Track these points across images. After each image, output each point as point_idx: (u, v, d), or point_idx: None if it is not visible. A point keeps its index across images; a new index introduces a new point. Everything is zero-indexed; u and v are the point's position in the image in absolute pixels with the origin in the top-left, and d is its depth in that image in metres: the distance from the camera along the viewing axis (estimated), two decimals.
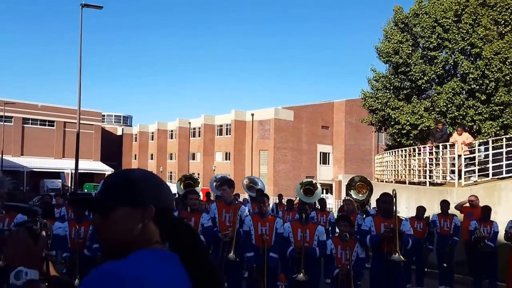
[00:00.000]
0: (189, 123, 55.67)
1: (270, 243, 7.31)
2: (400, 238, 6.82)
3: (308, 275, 6.99)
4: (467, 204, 11.15)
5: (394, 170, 19.82)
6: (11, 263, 1.59)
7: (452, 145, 14.35)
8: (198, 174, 48.88)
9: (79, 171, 22.84)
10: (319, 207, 11.86)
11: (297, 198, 12.58)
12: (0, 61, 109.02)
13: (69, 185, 43.34)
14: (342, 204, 14.35)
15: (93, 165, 53.53)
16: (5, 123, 46.26)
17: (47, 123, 53.45)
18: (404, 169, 18.64)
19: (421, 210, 10.59)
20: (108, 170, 54.75)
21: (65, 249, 7.44)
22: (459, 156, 13.97)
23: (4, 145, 44.18)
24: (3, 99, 47.68)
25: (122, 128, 67.74)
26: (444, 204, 10.44)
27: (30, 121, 52.37)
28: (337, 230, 8.00)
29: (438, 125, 16.99)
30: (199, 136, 53.50)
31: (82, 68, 21.07)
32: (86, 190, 41.84)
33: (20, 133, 51.10)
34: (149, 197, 1.47)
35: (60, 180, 44.10)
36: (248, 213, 7.97)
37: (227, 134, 50.13)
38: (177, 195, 11.09)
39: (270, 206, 10.69)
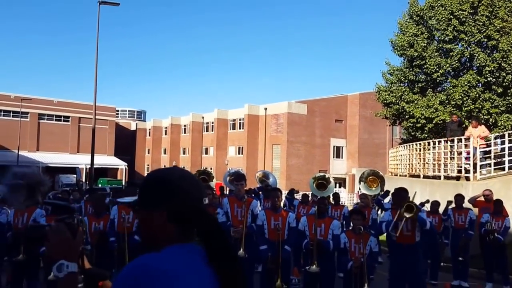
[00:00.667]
0: (202, 117, 55.72)
1: (283, 237, 7.35)
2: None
3: (322, 269, 7.05)
4: (482, 198, 11.05)
5: (409, 164, 19.70)
6: (53, 257, 1.68)
7: (467, 139, 14.20)
8: (211, 169, 48.99)
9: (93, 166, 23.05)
10: (333, 201, 11.87)
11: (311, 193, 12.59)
12: (17, 58, 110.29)
13: (83, 180, 43.69)
14: (357, 199, 14.31)
15: (107, 159, 53.89)
16: (21, 119, 46.71)
17: (62, 118, 53.86)
18: (418, 163, 18.52)
19: (435, 204, 10.53)
20: (121, 164, 55.10)
21: (85, 243, 7.57)
22: (475, 149, 13.82)
23: (20, 141, 44.62)
24: (19, 95, 48.21)
25: (136, 123, 68.09)
26: (459, 198, 10.36)
27: (46, 117, 52.78)
28: (351, 224, 8.01)
29: (453, 117, 16.82)
30: (212, 130, 53.55)
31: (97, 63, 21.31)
32: (100, 185, 42.12)
33: (36, 128, 51.54)
34: (158, 202, 1.57)
35: (75, 175, 44.42)
36: (260, 208, 8.02)
37: (240, 128, 50.10)
38: None
39: (283, 200, 10.71)
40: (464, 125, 17.45)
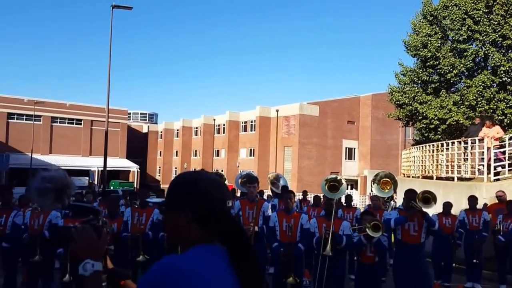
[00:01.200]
0: (214, 119, 55.83)
1: (295, 239, 7.33)
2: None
3: (333, 270, 7.06)
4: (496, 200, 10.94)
5: (421, 165, 19.51)
6: (80, 256, 1.77)
7: (481, 140, 14.01)
8: (222, 171, 49.07)
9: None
10: (345, 204, 11.79)
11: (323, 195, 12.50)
12: (30, 62, 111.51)
13: (96, 183, 43.94)
14: (370, 201, 14.20)
15: (119, 162, 54.18)
16: (34, 122, 47.15)
17: (75, 121, 54.30)
18: (431, 164, 18.33)
19: (447, 205, 10.41)
20: (133, 167, 55.37)
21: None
22: (488, 150, 13.63)
23: (33, 144, 45.05)
24: (33, 98, 48.68)
25: (148, 126, 68.47)
26: (472, 199, 10.25)
27: (59, 120, 53.26)
28: None
29: (476, 119, 16.56)
30: (223, 132, 53.61)
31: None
32: (112, 187, 42.34)
33: (49, 131, 51.98)
34: (184, 204, 1.64)
35: (87, 178, 44.73)
36: (271, 210, 8.02)
37: (251, 130, 50.10)
38: None
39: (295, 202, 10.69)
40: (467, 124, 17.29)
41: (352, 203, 12.61)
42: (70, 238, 1.82)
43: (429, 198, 7.13)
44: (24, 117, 49.85)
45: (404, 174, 22.20)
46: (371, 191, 12.70)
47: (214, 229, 1.64)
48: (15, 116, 49.86)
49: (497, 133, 14.06)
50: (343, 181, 10.91)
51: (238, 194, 15.99)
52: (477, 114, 20.30)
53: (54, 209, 7.45)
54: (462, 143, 15.40)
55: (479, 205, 10.63)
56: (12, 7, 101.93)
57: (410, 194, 7.45)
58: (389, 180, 11.92)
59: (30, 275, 7.77)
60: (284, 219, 7.43)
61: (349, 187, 44.22)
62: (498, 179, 13.35)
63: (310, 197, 18.01)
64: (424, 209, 7.14)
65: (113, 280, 1.91)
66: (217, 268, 1.55)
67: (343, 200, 11.98)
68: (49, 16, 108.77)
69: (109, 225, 1.93)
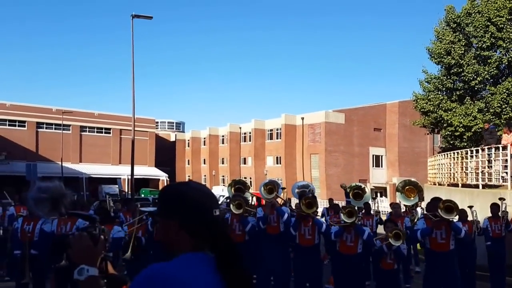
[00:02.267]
0: (240, 128, 56.20)
1: (313, 242, 7.66)
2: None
3: (352, 276, 7.27)
4: None
5: (448, 173, 19.44)
6: (75, 262, 1.88)
7: (505, 147, 13.97)
8: (250, 178, 49.37)
9: (134, 176, 23.66)
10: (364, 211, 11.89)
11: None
12: (58, 72, 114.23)
13: (126, 190, 44.71)
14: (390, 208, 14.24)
15: (148, 170, 54.95)
16: (63, 131, 48.24)
17: (103, 130, 55.30)
18: (457, 172, 18.27)
19: (462, 213, 10.38)
20: (162, 175, 56.07)
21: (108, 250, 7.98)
22: None
23: (63, 153, 46.16)
24: (61, 108, 49.87)
25: (175, 134, 69.23)
26: (494, 207, 10.25)
27: (87, 129, 54.24)
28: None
29: (485, 125, 16.58)
30: (249, 140, 53.91)
31: (136, 76, 22.00)
32: (143, 195, 43.04)
33: (78, 140, 52.92)
34: (172, 212, 1.74)
35: (117, 186, 45.56)
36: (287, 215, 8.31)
37: (277, 138, 50.30)
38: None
39: (320, 210, 10.91)
40: (498, 131, 17.14)
41: (382, 211, 12.67)
42: (67, 245, 1.92)
43: (451, 207, 7.19)
44: (53, 126, 50.91)
45: (431, 182, 22.11)
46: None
47: (203, 237, 1.72)
48: (44, 126, 50.90)
49: None
50: (367, 189, 11.09)
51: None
52: (502, 121, 20.16)
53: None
54: (486, 150, 15.35)
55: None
56: (40, 18, 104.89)
57: (434, 202, 7.57)
58: (413, 187, 12.03)
59: (58, 281, 7.82)
60: (302, 223, 7.83)
61: (378, 194, 43.90)
62: None
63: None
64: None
65: (113, 285, 1.98)
66: (203, 275, 1.63)
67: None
68: (75, 25, 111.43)
69: (107, 232, 2.04)
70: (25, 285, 8.00)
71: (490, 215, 10.40)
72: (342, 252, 7.55)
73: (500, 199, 10.40)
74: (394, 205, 11.10)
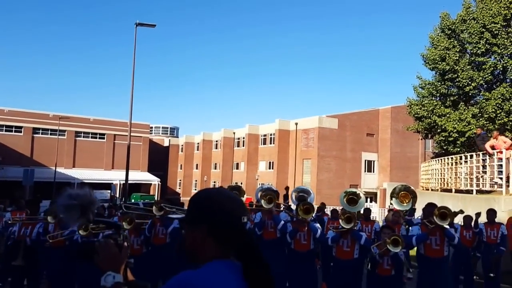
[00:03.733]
0: (234, 133, 56.21)
1: (308, 248, 7.67)
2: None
3: (349, 282, 7.25)
4: None
5: (441, 178, 19.49)
6: (102, 268, 1.89)
7: (500, 152, 14.04)
8: (241, 183, 49.31)
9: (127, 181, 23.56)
10: (363, 217, 11.87)
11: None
12: (55, 78, 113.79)
13: (117, 196, 44.50)
14: (387, 214, 14.21)
15: (140, 175, 54.83)
16: (59, 137, 48.16)
17: (98, 136, 55.20)
18: (450, 177, 18.32)
19: (468, 218, 10.43)
20: (154, 180, 55.93)
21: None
22: (507, 162, 13.63)
23: (57, 158, 45.93)
24: (58, 113, 49.72)
25: (169, 139, 69.17)
26: (490, 212, 10.27)
27: (82, 134, 54.20)
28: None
29: (477, 130, 16.69)
30: (243, 146, 53.91)
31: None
32: (133, 200, 42.81)
33: (73, 146, 52.88)
34: (201, 218, 1.72)
35: (109, 191, 45.34)
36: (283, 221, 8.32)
37: (271, 143, 50.32)
38: None
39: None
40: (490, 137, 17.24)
41: (371, 216, 12.68)
42: (92, 251, 1.95)
43: (446, 214, 7.20)
44: (49, 131, 50.91)
45: (423, 187, 22.16)
46: (390, 204, 12.79)
47: (229, 244, 1.71)
48: (40, 131, 50.96)
49: (504, 142, 14.08)
50: (362, 194, 11.08)
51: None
52: (496, 126, 20.27)
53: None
54: (481, 155, 15.41)
55: (498, 219, 10.64)
56: (37, 23, 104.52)
57: (430, 208, 7.57)
58: (407, 193, 12.03)
59: (14, 279, 8.09)
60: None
61: (369, 200, 43.99)
62: None
63: (327, 210, 18.05)
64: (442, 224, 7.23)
65: None
66: (231, 283, 1.61)
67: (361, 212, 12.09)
68: (75, 33, 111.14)
69: (129, 238, 2.08)
70: (18, 268, 8.06)
71: (485, 220, 10.45)
72: (339, 257, 7.52)
73: (477, 214, 10.39)
74: (395, 213, 11.07)
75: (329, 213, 14.57)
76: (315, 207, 8.96)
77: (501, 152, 13.94)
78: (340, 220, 7.40)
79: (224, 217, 1.71)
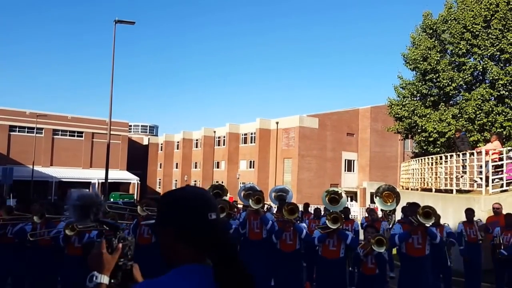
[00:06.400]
0: (214, 132, 56.06)
1: (294, 248, 7.72)
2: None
3: (333, 280, 7.26)
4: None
5: (420, 178, 19.66)
6: (90, 268, 1.84)
7: (479, 152, 14.20)
8: (222, 182, 49.18)
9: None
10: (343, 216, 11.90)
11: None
12: (32, 75, 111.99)
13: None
14: (366, 213, 14.29)
15: (119, 174, 54.34)
16: (36, 135, 47.41)
17: (76, 134, 54.52)
18: (430, 177, 18.49)
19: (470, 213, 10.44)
20: (133, 179, 55.48)
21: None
22: (487, 163, 13.79)
23: (34, 156, 45.24)
24: (35, 111, 48.93)
25: (148, 138, 68.67)
26: (469, 212, 10.36)
27: (60, 132, 53.49)
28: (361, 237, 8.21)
29: (456, 133, 16.85)
30: (223, 144, 53.81)
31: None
32: (112, 199, 42.31)
33: (50, 144, 52.20)
34: (166, 220, 1.66)
35: (87, 189, 44.80)
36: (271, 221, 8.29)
37: (251, 142, 50.30)
38: None
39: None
40: (470, 137, 17.45)
41: (351, 215, 12.73)
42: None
43: (429, 213, 7.28)
44: (26, 129, 50.12)
45: (403, 187, 22.33)
46: (370, 203, 12.84)
47: (201, 246, 1.62)
48: (17, 129, 50.16)
49: (494, 147, 14.27)
50: (343, 194, 11.09)
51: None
52: (475, 127, 20.54)
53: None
54: (461, 155, 15.57)
55: (477, 218, 10.72)
56: (16, 21, 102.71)
57: (413, 207, 7.62)
58: (391, 193, 12.11)
59: None
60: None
61: (349, 199, 44.32)
62: (496, 192, 13.48)
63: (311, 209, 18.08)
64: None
65: None
66: None
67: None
68: (53, 30, 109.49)
69: (131, 241, 1.99)
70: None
71: (464, 219, 10.53)
72: (325, 256, 7.51)
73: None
74: (371, 211, 11.14)
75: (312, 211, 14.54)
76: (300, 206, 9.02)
77: (481, 153, 14.10)
78: (327, 221, 7.39)
79: (188, 216, 1.62)
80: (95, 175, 50.33)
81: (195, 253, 1.62)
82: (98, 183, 48.91)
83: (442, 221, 10.82)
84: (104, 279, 1.80)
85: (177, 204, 1.66)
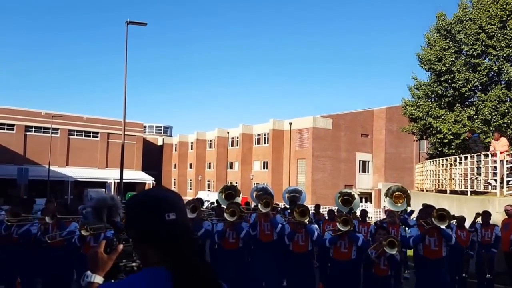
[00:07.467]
0: (228, 132, 56.18)
1: (306, 249, 7.70)
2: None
3: (345, 282, 7.28)
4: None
5: (435, 179, 19.54)
6: (88, 267, 1.88)
7: (493, 154, 14.09)
8: (236, 183, 49.27)
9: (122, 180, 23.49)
10: (360, 218, 11.86)
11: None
12: (48, 76, 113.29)
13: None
14: (385, 214, 14.17)
15: (134, 174, 54.68)
16: (52, 135, 47.91)
17: (91, 134, 55.00)
18: (445, 178, 18.36)
19: (462, 219, 10.46)
20: (149, 179, 55.78)
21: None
22: (501, 163, 13.66)
23: (50, 156, 45.76)
24: (50, 112, 49.50)
25: (163, 138, 69.04)
26: (486, 214, 10.30)
27: (76, 133, 53.98)
28: None
29: (467, 134, 16.70)
30: (237, 145, 53.88)
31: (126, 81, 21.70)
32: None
33: (66, 144, 52.68)
34: (129, 223, 1.69)
35: (103, 190, 45.22)
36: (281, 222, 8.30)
37: (265, 143, 50.29)
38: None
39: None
40: (485, 138, 17.27)
41: (368, 216, 12.67)
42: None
43: (444, 215, 7.25)
44: (42, 130, 50.64)
45: (418, 188, 22.21)
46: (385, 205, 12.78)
47: (162, 247, 1.61)
48: (33, 129, 50.72)
49: (503, 146, 14.13)
50: (356, 195, 11.07)
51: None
52: (491, 128, 20.31)
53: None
54: (475, 157, 15.45)
55: (492, 220, 10.67)
56: (31, 22, 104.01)
57: (428, 209, 7.60)
58: (401, 194, 12.03)
59: None
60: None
61: (363, 200, 44.12)
62: (511, 194, 13.35)
63: (322, 210, 18.09)
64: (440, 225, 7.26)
65: None
66: None
67: (358, 214, 12.11)
68: (67, 31, 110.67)
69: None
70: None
71: (480, 222, 10.46)
72: (337, 258, 7.53)
73: (477, 214, 10.43)
74: (390, 213, 11.07)
75: (325, 213, 14.54)
76: (310, 207, 9.02)
77: (496, 155, 13.98)
78: (338, 223, 7.41)
79: (146, 218, 1.63)
80: (111, 175, 50.76)
81: (161, 256, 1.61)
82: (114, 183, 49.32)
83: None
84: (96, 279, 1.82)
85: (136, 206, 1.68)
